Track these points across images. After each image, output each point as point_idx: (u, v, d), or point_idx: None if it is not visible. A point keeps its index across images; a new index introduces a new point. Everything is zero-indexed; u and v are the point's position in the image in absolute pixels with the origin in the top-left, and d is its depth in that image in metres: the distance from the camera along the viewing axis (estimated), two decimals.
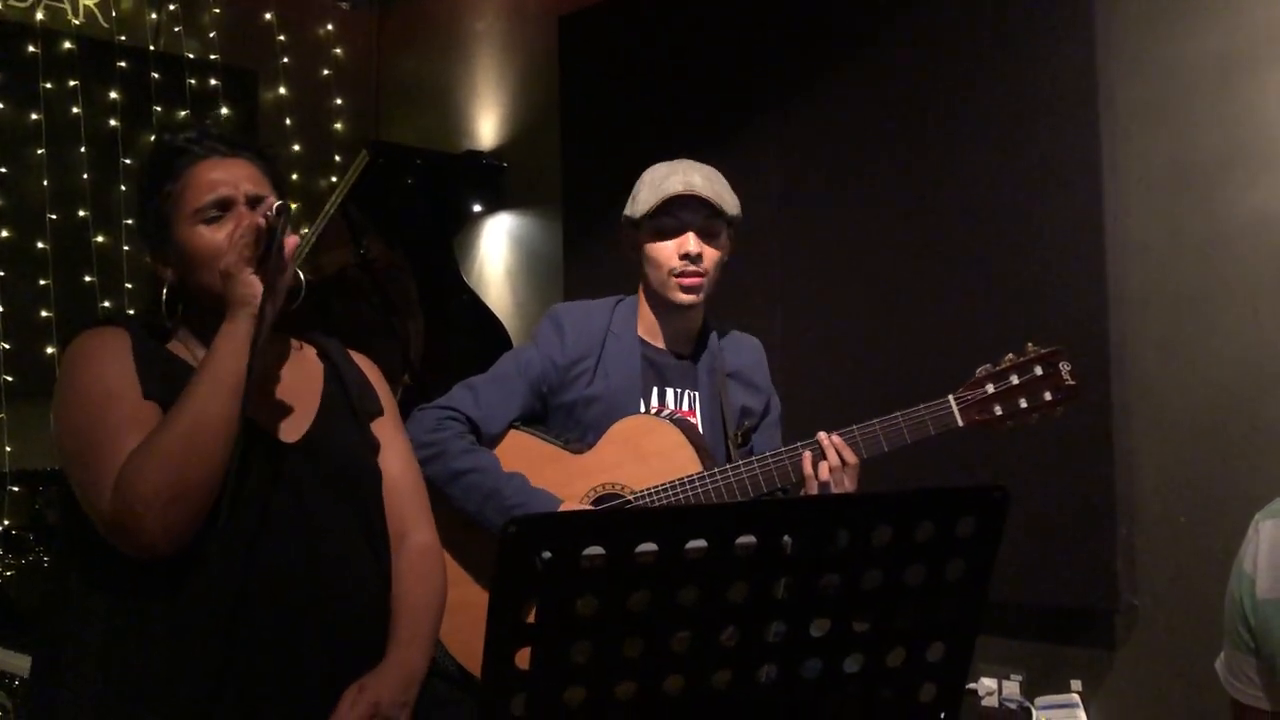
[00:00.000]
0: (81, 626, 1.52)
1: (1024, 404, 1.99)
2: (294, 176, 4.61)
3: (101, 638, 1.50)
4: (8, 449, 3.95)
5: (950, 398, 2.02)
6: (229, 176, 1.60)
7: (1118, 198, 2.91)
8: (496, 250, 4.73)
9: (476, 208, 4.75)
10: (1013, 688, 3.01)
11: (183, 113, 4.47)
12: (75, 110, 4.24)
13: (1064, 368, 1.99)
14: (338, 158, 4.81)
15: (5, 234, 4.11)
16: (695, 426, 2.22)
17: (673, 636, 1.01)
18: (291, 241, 1.53)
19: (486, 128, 4.77)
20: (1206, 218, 2.79)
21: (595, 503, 2.14)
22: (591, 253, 4.15)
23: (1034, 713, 2.94)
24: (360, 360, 1.83)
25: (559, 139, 4.33)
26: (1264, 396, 2.68)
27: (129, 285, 4.24)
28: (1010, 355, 2.02)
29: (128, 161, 4.30)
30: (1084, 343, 2.84)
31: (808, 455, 2.05)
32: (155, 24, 4.51)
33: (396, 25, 5.27)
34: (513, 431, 2.21)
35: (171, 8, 4.53)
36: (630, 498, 2.11)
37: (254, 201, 1.59)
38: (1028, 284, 2.99)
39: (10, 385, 3.99)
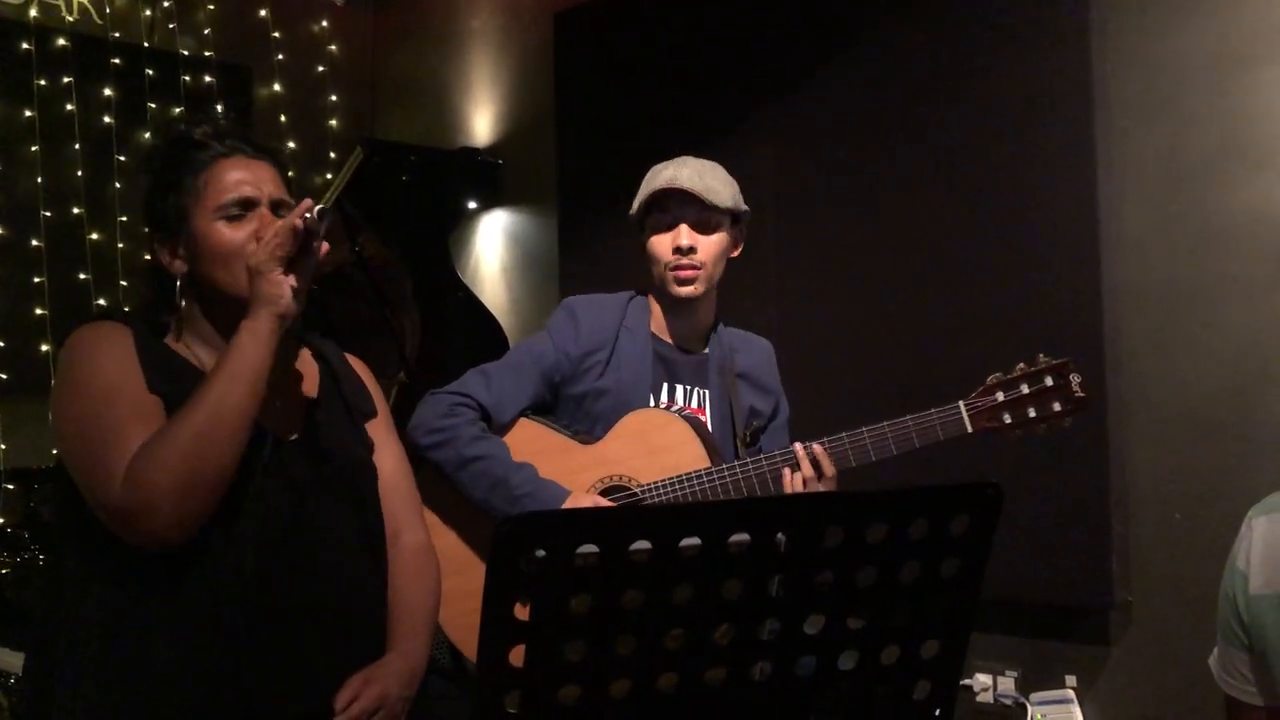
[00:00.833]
0: (77, 622, 1.52)
1: (1033, 413, 2.01)
2: (289, 173, 4.59)
3: (98, 633, 1.50)
4: (2, 447, 3.95)
5: (961, 404, 2.03)
6: (254, 177, 1.61)
7: (1112, 194, 2.91)
8: (492, 247, 4.73)
9: (471, 205, 4.74)
10: (1008, 684, 3.01)
11: (177, 109, 4.46)
12: (69, 107, 4.22)
13: (1074, 379, 2.00)
14: (333, 154, 4.81)
15: None
16: (705, 424, 2.23)
17: (667, 634, 1.01)
18: (323, 248, 1.55)
19: (481, 124, 4.77)
20: (1201, 214, 2.79)
21: (602, 494, 2.15)
22: (587, 250, 4.15)
23: (1029, 709, 2.95)
24: (353, 362, 1.84)
25: (554, 136, 4.33)
26: (1259, 393, 2.69)
27: (123, 282, 4.22)
28: (1021, 365, 2.04)
29: (122, 158, 4.29)
30: (1078, 339, 2.85)
31: (787, 473, 2.07)
32: (149, 20, 4.49)
33: (391, 22, 5.26)
34: (522, 420, 2.23)
35: (166, 4, 4.52)
36: (637, 491, 2.12)
37: (275, 205, 1.61)
38: (1022, 280, 2.99)
39: (4, 383, 3.98)
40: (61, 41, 4.25)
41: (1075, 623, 2.96)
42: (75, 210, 4.20)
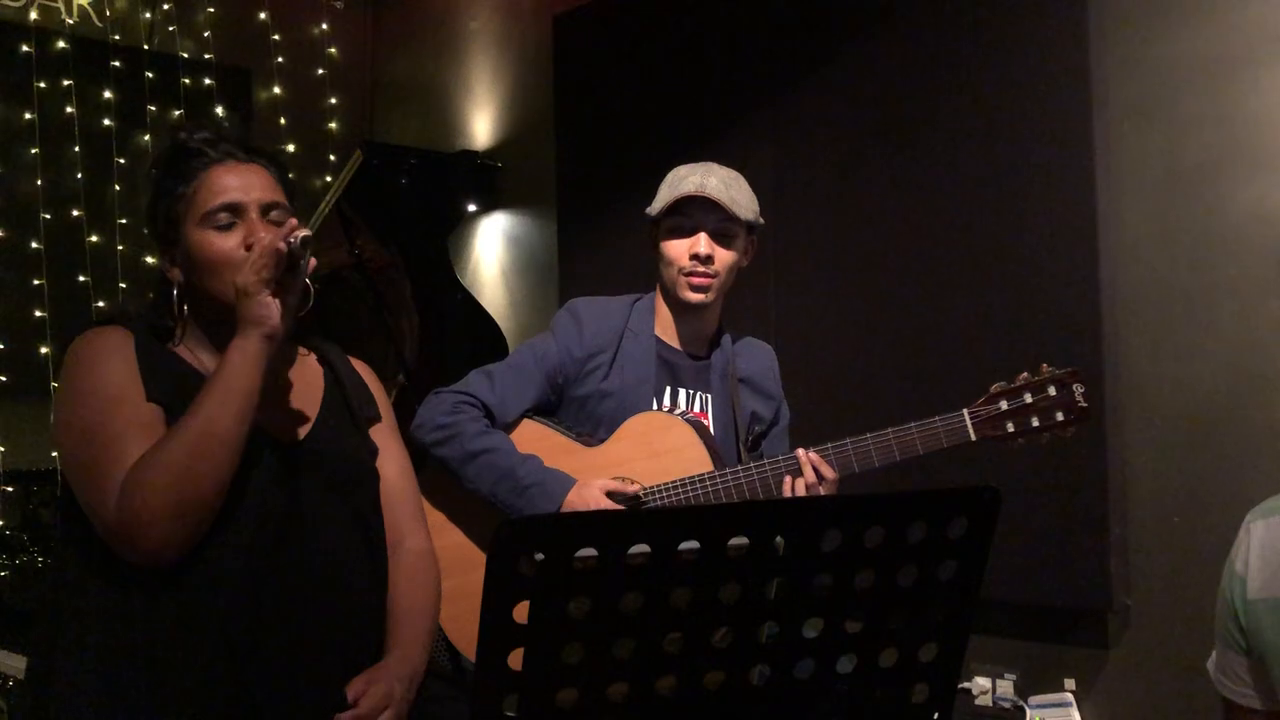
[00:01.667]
0: (78, 624, 1.52)
1: (1036, 423, 2.02)
2: (289, 175, 4.59)
3: (99, 636, 1.50)
4: (1, 449, 3.95)
5: (965, 412, 2.04)
6: (242, 183, 1.61)
7: (1110, 197, 2.91)
8: (491, 250, 4.73)
9: (471, 207, 4.74)
10: (1006, 687, 3.01)
11: (177, 112, 4.46)
12: (69, 110, 4.23)
13: (1078, 389, 2.02)
14: (332, 157, 4.81)
15: None
16: (708, 427, 2.24)
17: (665, 637, 1.01)
18: (311, 264, 1.55)
19: (481, 127, 4.77)
20: (1199, 218, 2.79)
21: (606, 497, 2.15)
22: (586, 252, 4.15)
23: (1027, 712, 2.95)
24: (359, 366, 1.84)
25: (554, 138, 4.33)
26: (1256, 396, 2.69)
27: (123, 285, 4.23)
28: (1025, 374, 2.05)
29: (122, 161, 4.30)
30: (1076, 342, 2.85)
31: (788, 479, 2.07)
32: (149, 23, 4.50)
33: (391, 24, 5.26)
34: (526, 421, 2.24)
35: (165, 7, 4.52)
36: (641, 493, 2.13)
37: (266, 209, 1.61)
38: (1020, 284, 2.99)
39: (3, 385, 3.99)
40: (61, 44, 4.26)
41: (1073, 626, 2.96)
42: (75, 213, 4.20)
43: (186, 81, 4.50)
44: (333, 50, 4.99)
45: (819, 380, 3.29)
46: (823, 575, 1.06)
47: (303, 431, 1.65)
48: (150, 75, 4.42)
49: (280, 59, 4.79)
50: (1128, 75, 2.91)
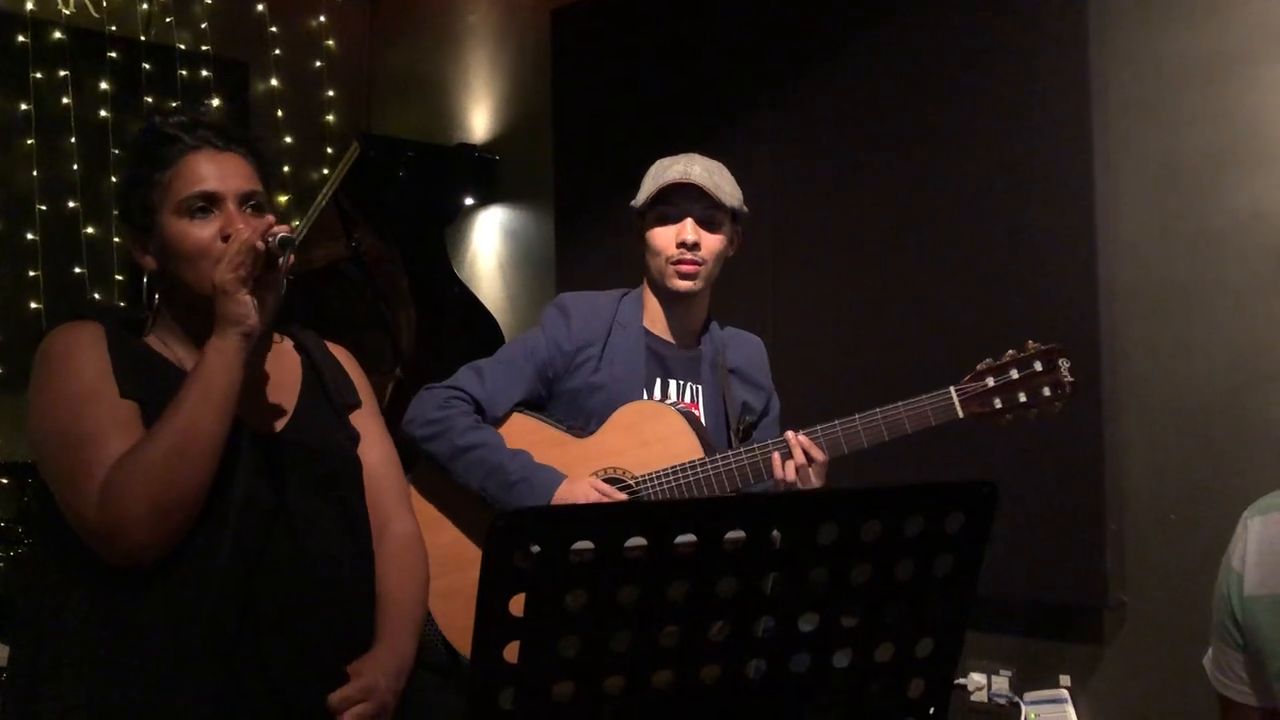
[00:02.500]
0: (62, 617, 1.51)
1: (1023, 398, 2.03)
2: (285, 168, 4.59)
3: (82, 625, 1.49)
4: None
5: (952, 389, 2.05)
6: (219, 171, 1.57)
7: (1109, 194, 2.91)
8: (488, 243, 4.72)
9: (468, 200, 4.74)
10: (1002, 683, 3.01)
11: (174, 103, 4.45)
12: (65, 101, 4.22)
13: (1063, 364, 2.02)
14: (329, 150, 4.80)
15: None
16: (698, 417, 2.24)
17: (661, 631, 1.01)
18: (289, 262, 1.51)
19: (479, 120, 4.76)
20: (1198, 214, 2.79)
21: None
22: (584, 246, 4.14)
23: (1023, 708, 2.95)
24: (337, 351, 1.81)
25: (551, 132, 4.33)
26: (1254, 393, 2.69)
27: (119, 277, 4.22)
28: (1011, 351, 2.05)
29: (118, 152, 4.29)
30: (1074, 339, 2.84)
31: (777, 458, 2.08)
32: (146, 14, 4.49)
33: (389, 17, 5.25)
34: (516, 415, 2.24)
35: None
36: (632, 483, 2.13)
37: (244, 199, 1.57)
38: (1019, 280, 2.99)
39: None
40: (58, 35, 4.25)
41: (1070, 622, 2.96)
42: (71, 204, 4.20)
43: (183, 73, 4.50)
44: (330, 43, 4.98)
45: (816, 377, 3.29)
46: (819, 569, 1.05)
47: (281, 423, 1.64)
48: (147, 67, 4.42)
49: (278, 51, 4.78)
50: (1127, 72, 2.91)
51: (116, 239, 4.23)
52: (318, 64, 4.93)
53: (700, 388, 2.28)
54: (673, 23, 3.90)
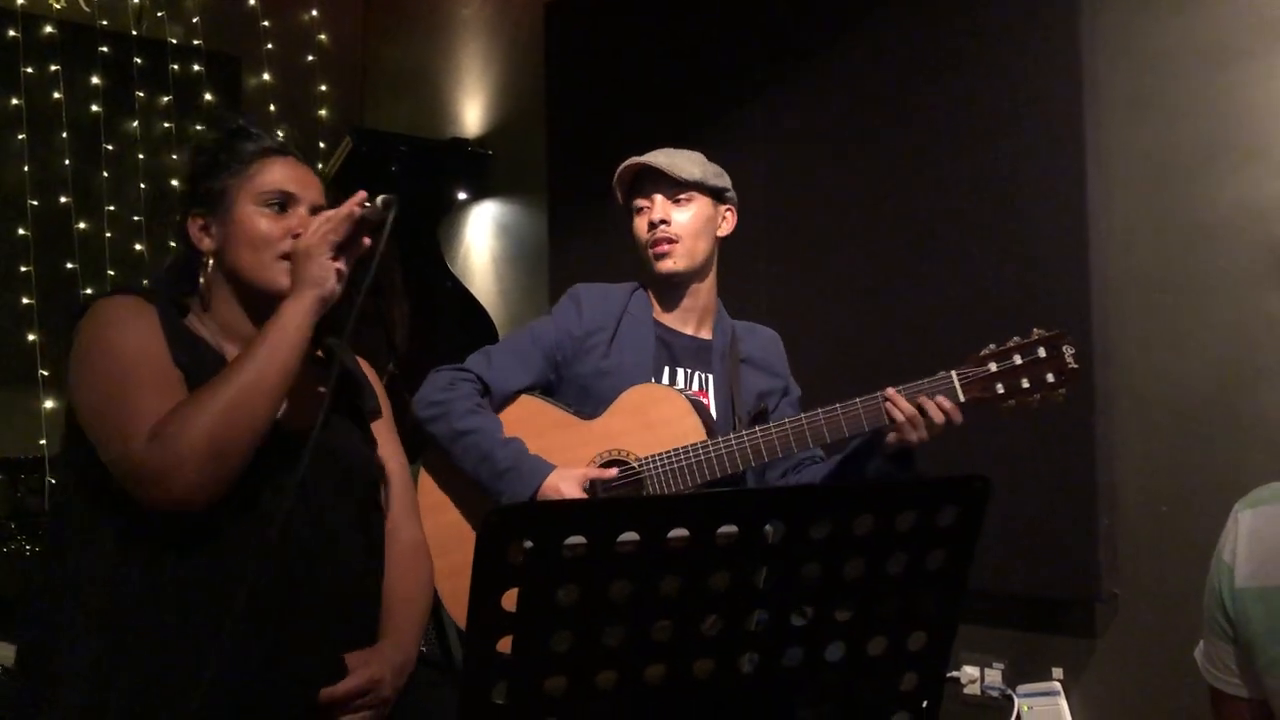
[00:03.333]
0: (79, 596, 1.52)
1: (1026, 384, 2.01)
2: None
3: (98, 608, 1.51)
4: None
5: (952, 373, 2.04)
6: (300, 179, 1.70)
7: (1102, 188, 2.91)
8: (481, 238, 4.72)
9: (461, 195, 4.73)
10: (994, 676, 3.02)
11: (166, 98, 4.44)
12: (57, 95, 4.20)
13: (1068, 351, 2.01)
14: (322, 144, 4.78)
15: None
16: (703, 402, 2.26)
17: (654, 625, 1.01)
18: (365, 242, 1.64)
19: (472, 115, 4.75)
20: (1190, 208, 2.79)
21: (600, 468, 2.17)
22: (577, 241, 4.14)
23: (1015, 701, 2.96)
24: (360, 362, 1.89)
25: (544, 127, 4.32)
26: (1246, 387, 2.69)
27: (111, 272, 4.21)
28: (1015, 337, 2.04)
29: (110, 148, 4.28)
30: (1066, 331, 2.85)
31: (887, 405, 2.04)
32: (137, 9, 4.47)
33: (382, 11, 5.24)
34: (524, 397, 2.28)
35: None
36: (635, 464, 2.15)
37: (314, 209, 1.69)
38: (1011, 273, 2.99)
39: None
40: (49, 29, 4.23)
41: (1062, 615, 2.97)
42: (63, 199, 4.18)
43: (175, 68, 4.48)
44: (323, 37, 4.96)
45: (808, 368, 3.29)
46: (812, 563, 1.06)
47: (307, 420, 1.66)
48: (139, 61, 4.40)
49: (270, 45, 4.77)
50: (1119, 65, 2.91)
51: (109, 234, 4.22)
52: (310, 58, 4.92)
53: (710, 376, 2.30)
54: (666, 17, 3.90)
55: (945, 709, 1.22)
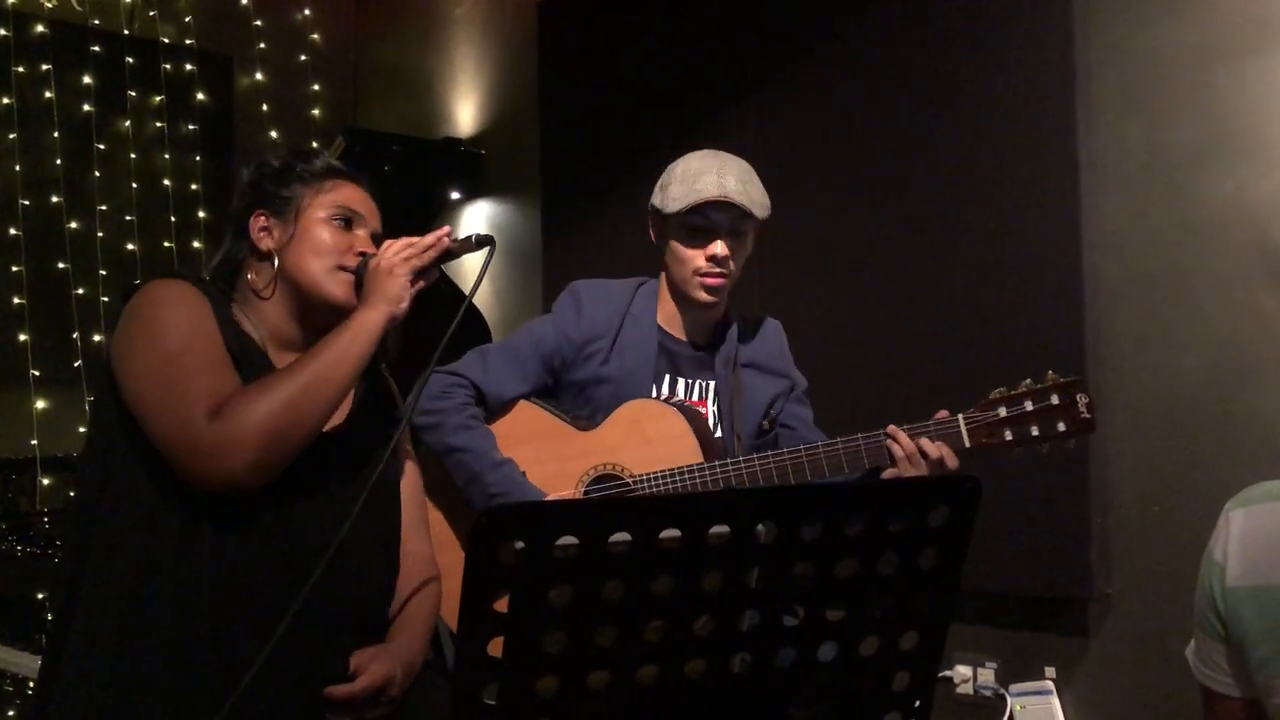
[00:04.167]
0: (101, 587, 1.54)
1: (1036, 432, 1.93)
2: None
3: (119, 599, 1.53)
4: None
5: (960, 417, 1.97)
6: (367, 205, 1.81)
7: (1094, 187, 2.92)
8: None
9: (454, 195, 4.72)
10: (987, 675, 3.03)
11: (158, 98, 4.43)
12: (48, 95, 4.19)
13: (1081, 400, 1.92)
14: (314, 144, 4.77)
15: None
16: (703, 416, 2.21)
17: (646, 626, 1.01)
18: (433, 276, 1.76)
19: (465, 115, 4.75)
20: (1182, 207, 2.80)
21: (594, 483, 2.15)
22: (570, 240, 4.14)
23: (1008, 700, 2.96)
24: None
25: (537, 126, 4.32)
26: (1238, 386, 2.70)
27: (103, 272, 4.20)
28: (1028, 381, 1.97)
29: (101, 147, 4.27)
30: (1059, 332, 2.86)
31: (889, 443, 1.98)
32: (129, 8, 4.46)
33: (375, 11, 5.23)
34: (521, 403, 2.25)
35: None
36: (629, 481, 2.12)
37: (374, 235, 1.79)
38: (1003, 273, 3.00)
39: None
40: (40, 28, 4.22)
41: (1054, 614, 2.97)
42: (54, 199, 4.17)
43: (167, 67, 4.47)
44: (315, 36, 4.96)
45: (803, 368, 3.29)
46: (804, 564, 1.06)
47: (338, 421, 1.71)
48: (130, 60, 4.39)
49: (262, 45, 4.76)
50: (1111, 65, 2.91)
51: (100, 234, 4.21)
52: (303, 58, 4.91)
53: (713, 384, 2.26)
54: (658, 17, 3.89)
55: (938, 708, 1.22)
